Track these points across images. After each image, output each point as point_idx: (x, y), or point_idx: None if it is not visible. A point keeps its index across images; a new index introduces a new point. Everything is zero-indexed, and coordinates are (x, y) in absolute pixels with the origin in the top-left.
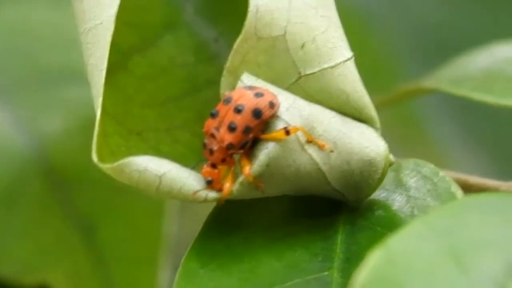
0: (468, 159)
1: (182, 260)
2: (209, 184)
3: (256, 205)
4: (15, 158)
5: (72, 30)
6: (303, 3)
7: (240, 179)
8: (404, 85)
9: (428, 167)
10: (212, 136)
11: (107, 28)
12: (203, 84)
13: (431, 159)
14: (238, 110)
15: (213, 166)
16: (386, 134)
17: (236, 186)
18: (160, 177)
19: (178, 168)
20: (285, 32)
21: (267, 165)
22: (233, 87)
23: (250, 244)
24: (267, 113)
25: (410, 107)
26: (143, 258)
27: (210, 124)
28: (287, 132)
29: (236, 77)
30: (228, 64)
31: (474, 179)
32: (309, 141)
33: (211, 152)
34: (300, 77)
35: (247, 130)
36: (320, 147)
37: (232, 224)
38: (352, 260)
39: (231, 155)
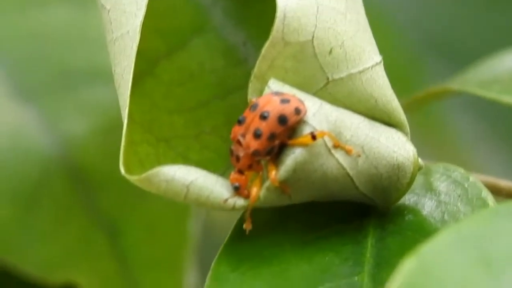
0: (495, 162)
1: (213, 264)
2: (237, 190)
3: (285, 208)
4: (40, 159)
5: (95, 31)
6: (331, 8)
7: (266, 184)
8: (430, 87)
9: (458, 172)
10: (239, 142)
11: (133, 37)
12: (231, 88)
13: (458, 162)
14: (263, 117)
15: (240, 172)
16: (411, 137)
17: (262, 192)
18: (187, 186)
19: (205, 175)
20: (312, 37)
21: (294, 170)
22: (260, 93)
23: (280, 247)
24: (292, 119)
25: (434, 109)
26: (168, 260)
27: (237, 130)
28: (314, 137)
29: (264, 83)
30: (255, 69)
31: (504, 183)
32: (336, 146)
33: (238, 158)
34: (328, 82)
35: (272, 136)
36: (348, 152)
37: (262, 228)
38: (382, 265)
39: (257, 162)
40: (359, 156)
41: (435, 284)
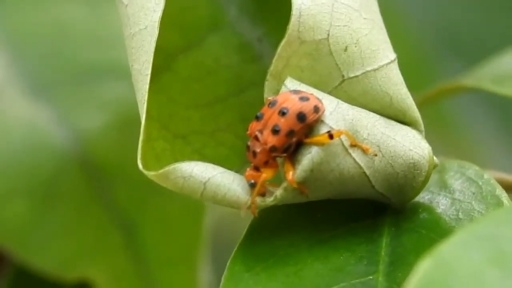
0: (508, 159)
1: (228, 263)
2: (253, 187)
3: (300, 208)
4: (55, 155)
5: (109, 28)
6: (346, 6)
7: (284, 184)
8: (443, 83)
9: (472, 169)
10: (256, 138)
11: (151, 33)
12: (247, 85)
13: (470, 159)
14: (282, 113)
15: (256, 168)
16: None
17: (280, 192)
18: (204, 183)
19: (222, 173)
20: (328, 36)
21: (311, 170)
22: (276, 92)
23: (295, 247)
24: (311, 117)
25: (446, 106)
26: (183, 256)
27: (254, 126)
28: (331, 136)
29: (280, 81)
30: (271, 68)
31: None
32: (353, 145)
33: (254, 154)
34: (343, 80)
35: (290, 133)
36: (364, 151)
37: (277, 227)
38: (397, 264)
39: (274, 158)
40: (375, 155)
41: (451, 282)
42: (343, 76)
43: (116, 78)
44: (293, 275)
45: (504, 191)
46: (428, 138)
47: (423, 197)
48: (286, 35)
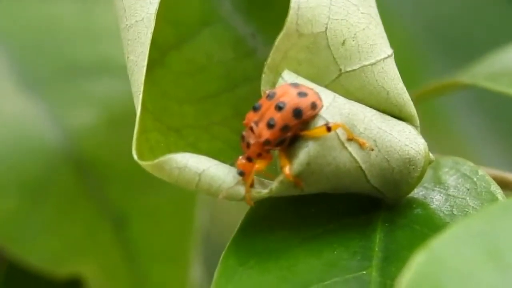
0: (502, 156)
1: (221, 257)
2: (241, 175)
3: (294, 202)
4: (46, 151)
5: (102, 24)
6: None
7: (280, 178)
8: (436, 80)
9: (467, 165)
10: (251, 129)
11: (148, 25)
12: (240, 80)
13: (464, 155)
14: (279, 108)
15: (249, 159)
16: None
17: (275, 185)
18: (199, 174)
19: (217, 165)
20: (326, 29)
21: (308, 164)
22: (273, 84)
23: (289, 242)
24: (308, 113)
25: (440, 103)
26: (174, 252)
27: (251, 117)
28: (329, 129)
29: (277, 74)
30: (269, 61)
31: None
32: (350, 139)
33: (248, 145)
34: (340, 74)
35: (285, 128)
36: (361, 145)
37: (270, 222)
38: (391, 259)
39: (267, 151)
40: (372, 150)
41: (444, 278)
42: (340, 70)
43: (107, 75)
44: (286, 269)
45: (499, 188)
46: (422, 135)
47: (417, 192)
48: (284, 28)
